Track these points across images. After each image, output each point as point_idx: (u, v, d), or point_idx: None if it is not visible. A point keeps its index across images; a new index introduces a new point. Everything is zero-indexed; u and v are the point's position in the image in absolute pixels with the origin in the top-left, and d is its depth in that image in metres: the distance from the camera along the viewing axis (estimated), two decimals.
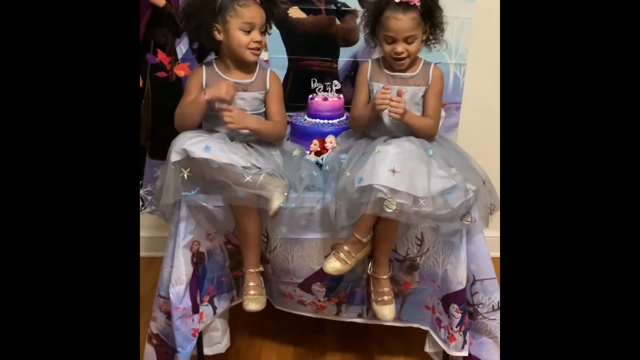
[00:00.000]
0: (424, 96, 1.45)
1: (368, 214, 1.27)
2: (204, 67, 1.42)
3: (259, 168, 1.28)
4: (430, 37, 1.43)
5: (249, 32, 1.34)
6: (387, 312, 1.38)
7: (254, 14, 1.34)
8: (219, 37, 1.36)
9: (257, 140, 1.41)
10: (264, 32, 1.38)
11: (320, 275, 1.42)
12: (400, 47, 1.37)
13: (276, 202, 1.28)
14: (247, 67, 1.42)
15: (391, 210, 1.23)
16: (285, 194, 1.30)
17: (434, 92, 1.45)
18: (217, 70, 1.41)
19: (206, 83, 1.40)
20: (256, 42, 1.35)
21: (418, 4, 1.35)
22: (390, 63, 1.42)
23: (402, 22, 1.34)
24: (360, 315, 1.51)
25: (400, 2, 1.34)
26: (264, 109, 1.44)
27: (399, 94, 1.36)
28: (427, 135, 1.42)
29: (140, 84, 1.88)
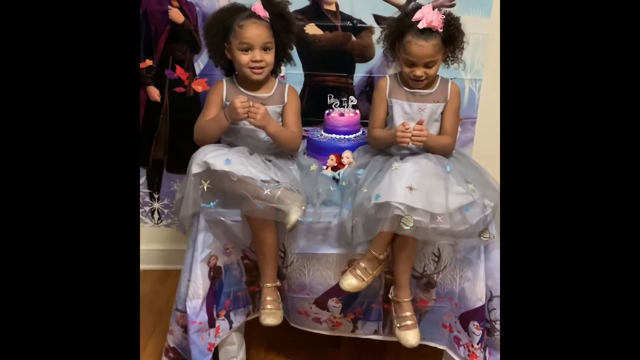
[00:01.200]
0: (442, 112, 1.46)
1: (385, 231, 1.27)
2: (224, 81, 1.45)
3: (278, 182, 1.29)
4: (450, 57, 1.44)
5: (247, 51, 1.36)
6: (410, 337, 1.34)
7: (252, 33, 1.35)
8: (229, 56, 1.40)
9: (275, 154, 1.42)
10: (268, 50, 1.38)
11: (337, 290, 1.41)
12: (419, 72, 1.37)
13: (294, 216, 1.29)
14: (265, 82, 1.43)
15: (408, 228, 1.23)
16: (303, 207, 1.31)
17: (451, 110, 1.45)
18: (237, 84, 1.44)
19: (226, 97, 1.42)
20: (254, 61, 1.36)
21: (441, 30, 1.35)
22: (409, 83, 1.42)
23: (423, 48, 1.34)
24: (376, 332, 1.50)
25: (424, 28, 1.33)
26: (281, 123, 1.46)
27: (421, 122, 1.36)
28: (446, 153, 1.42)
29: (159, 99, 1.90)
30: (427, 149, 1.40)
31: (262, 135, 1.41)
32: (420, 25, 1.33)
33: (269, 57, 1.38)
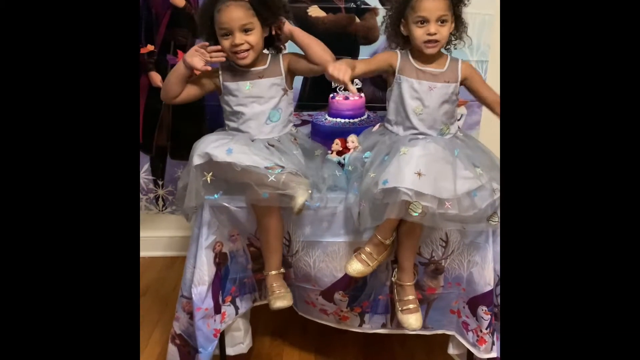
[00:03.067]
0: (469, 87, 1.45)
1: (392, 218, 1.26)
2: (220, 64, 1.42)
3: (282, 167, 1.28)
4: (453, 37, 1.41)
5: (227, 36, 1.33)
6: (413, 321, 1.34)
7: (227, 17, 1.31)
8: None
9: (278, 138, 1.41)
10: (249, 31, 1.33)
11: (343, 283, 1.40)
12: (433, 28, 1.33)
13: (300, 199, 1.26)
14: (261, 58, 1.41)
15: (417, 214, 1.21)
16: (309, 191, 1.29)
17: (479, 82, 1.45)
18: (232, 64, 1.41)
19: (222, 77, 1.41)
20: (234, 45, 1.33)
21: None
22: (421, 49, 1.37)
23: (436, 1, 1.33)
24: (384, 326, 1.49)
25: None
26: (281, 99, 1.42)
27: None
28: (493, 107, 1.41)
29: (161, 85, 1.88)
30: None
31: (267, 119, 1.40)
32: None
33: (252, 37, 1.34)
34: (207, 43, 1.34)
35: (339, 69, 1.26)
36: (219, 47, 1.34)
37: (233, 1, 1.32)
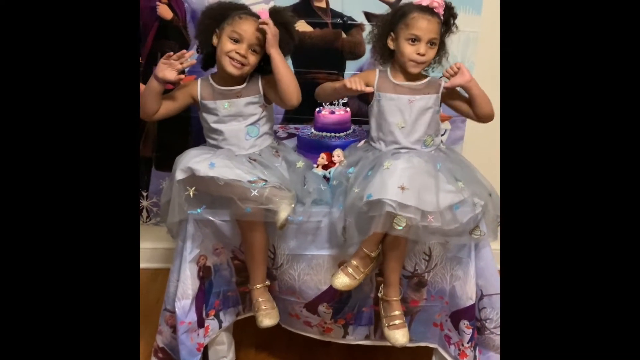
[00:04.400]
0: (449, 103, 1.46)
1: (378, 232, 1.27)
2: (199, 80, 1.43)
3: (265, 180, 1.28)
4: (433, 61, 1.43)
5: (236, 41, 1.34)
6: (399, 337, 1.34)
7: (247, 28, 1.33)
8: (215, 41, 1.37)
9: (260, 152, 1.41)
10: (255, 51, 1.35)
11: (327, 295, 1.40)
12: (423, 48, 1.36)
13: (283, 213, 1.27)
14: (241, 78, 1.40)
15: (401, 228, 1.22)
16: (292, 205, 1.29)
17: (457, 93, 1.45)
18: (211, 81, 1.42)
19: (201, 94, 1.41)
20: (238, 52, 1.33)
21: (442, 13, 1.37)
22: (405, 66, 1.39)
23: (430, 23, 1.36)
24: (367, 337, 1.49)
25: (427, 6, 1.36)
26: (261, 115, 1.42)
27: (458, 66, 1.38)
28: (490, 108, 1.40)
29: None
30: (472, 97, 1.39)
31: (245, 134, 1.40)
32: (424, 3, 1.36)
33: (253, 58, 1.36)
34: (171, 53, 1.33)
35: (354, 82, 1.36)
36: (183, 51, 1.33)
37: (256, 18, 1.34)
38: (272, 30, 1.31)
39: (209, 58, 1.43)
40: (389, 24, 1.40)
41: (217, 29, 1.36)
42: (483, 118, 1.42)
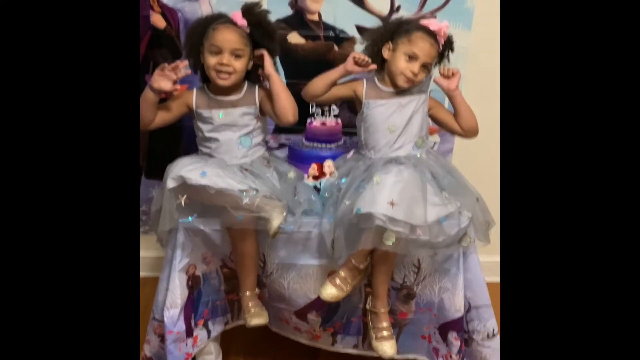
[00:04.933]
0: (435, 117, 1.47)
1: (367, 247, 1.27)
2: (195, 89, 1.43)
3: (256, 190, 1.28)
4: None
5: (216, 54, 1.34)
6: (387, 348, 1.33)
7: (222, 37, 1.33)
8: (202, 59, 1.38)
9: (251, 162, 1.41)
10: (238, 57, 1.35)
11: (316, 304, 1.40)
12: (416, 68, 1.37)
13: (276, 222, 1.27)
14: (235, 86, 1.41)
15: (390, 244, 1.23)
16: (284, 214, 1.30)
17: (441, 107, 1.48)
18: (207, 90, 1.43)
19: (196, 104, 1.41)
20: (221, 64, 1.33)
21: (442, 42, 1.40)
22: (395, 79, 1.39)
23: (432, 47, 1.38)
24: (355, 347, 1.50)
25: (433, 31, 1.38)
26: (255, 126, 1.43)
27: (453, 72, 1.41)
28: (474, 122, 1.43)
29: None
30: (456, 106, 1.42)
31: (238, 144, 1.41)
32: (433, 27, 1.38)
33: (239, 64, 1.36)
34: (166, 64, 1.34)
35: (357, 57, 1.37)
36: (178, 62, 1.34)
37: (232, 24, 1.35)
38: (267, 58, 1.37)
39: (203, 73, 1.44)
40: (390, 33, 1.41)
41: (201, 47, 1.38)
42: (467, 131, 1.44)
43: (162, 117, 1.41)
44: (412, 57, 1.37)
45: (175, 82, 1.34)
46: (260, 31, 1.38)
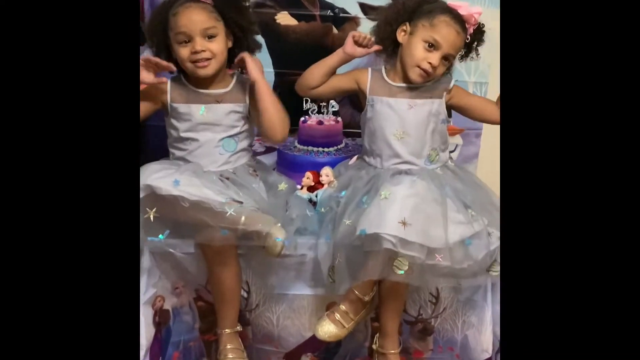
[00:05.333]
0: (455, 106, 1.34)
1: (374, 278, 1.14)
2: (169, 81, 1.28)
3: (241, 202, 1.15)
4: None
5: (187, 42, 1.20)
6: None
7: (186, 20, 1.20)
8: (173, 52, 1.25)
9: (233, 171, 1.28)
10: (212, 37, 1.21)
11: (312, 344, 1.31)
12: (435, 59, 1.22)
13: (279, 235, 1.13)
14: (219, 75, 1.27)
15: (402, 273, 1.11)
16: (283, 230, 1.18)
17: (467, 94, 1.37)
18: (184, 81, 1.28)
19: (170, 97, 1.27)
20: (195, 52, 1.20)
21: (471, 32, 1.27)
22: (409, 71, 1.26)
23: (458, 36, 1.25)
24: None
25: (462, 17, 1.25)
26: (242, 128, 1.30)
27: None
28: (496, 116, 1.31)
29: None
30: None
31: (220, 147, 1.27)
32: (462, 12, 1.25)
33: (215, 45, 1.22)
34: (149, 56, 1.21)
35: (358, 37, 1.27)
36: (164, 62, 1.22)
37: (193, 2, 1.20)
38: (249, 59, 1.24)
39: (180, 66, 1.31)
40: (409, 12, 1.27)
41: (168, 40, 1.24)
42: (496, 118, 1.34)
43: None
44: (432, 46, 1.23)
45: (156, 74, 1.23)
46: (224, 1, 1.24)
